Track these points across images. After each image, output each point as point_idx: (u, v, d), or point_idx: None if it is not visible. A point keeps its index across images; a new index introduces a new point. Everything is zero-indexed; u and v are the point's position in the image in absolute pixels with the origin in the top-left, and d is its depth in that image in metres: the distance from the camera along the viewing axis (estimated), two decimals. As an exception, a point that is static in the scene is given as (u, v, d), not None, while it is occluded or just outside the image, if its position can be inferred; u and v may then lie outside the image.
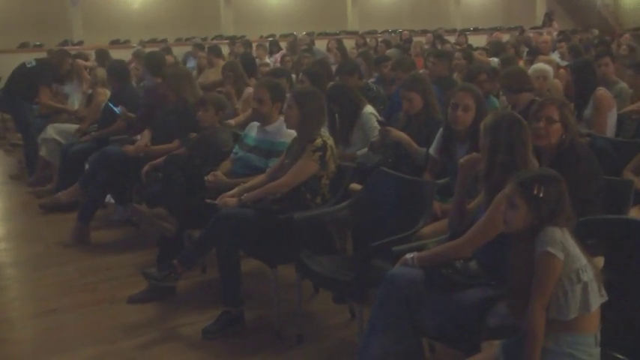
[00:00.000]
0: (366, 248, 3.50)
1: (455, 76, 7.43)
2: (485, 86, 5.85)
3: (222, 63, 8.65)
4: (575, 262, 2.42)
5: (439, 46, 11.96)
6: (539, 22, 21.38)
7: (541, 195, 2.44)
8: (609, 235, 2.97)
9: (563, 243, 2.41)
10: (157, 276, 4.40)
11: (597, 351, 2.47)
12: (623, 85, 6.58)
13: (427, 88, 4.83)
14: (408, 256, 3.04)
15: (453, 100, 4.16)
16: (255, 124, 4.86)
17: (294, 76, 7.67)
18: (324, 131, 4.51)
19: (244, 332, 4.17)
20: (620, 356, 2.68)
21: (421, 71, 7.63)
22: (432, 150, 4.44)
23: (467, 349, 2.88)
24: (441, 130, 4.39)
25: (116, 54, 10.48)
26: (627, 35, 13.69)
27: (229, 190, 4.36)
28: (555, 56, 10.11)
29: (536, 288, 2.41)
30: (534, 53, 8.66)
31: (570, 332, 2.45)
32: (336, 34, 17.31)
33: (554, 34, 15.34)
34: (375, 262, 3.49)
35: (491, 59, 8.16)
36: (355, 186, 4.43)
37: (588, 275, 2.43)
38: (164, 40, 15.24)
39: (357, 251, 4.06)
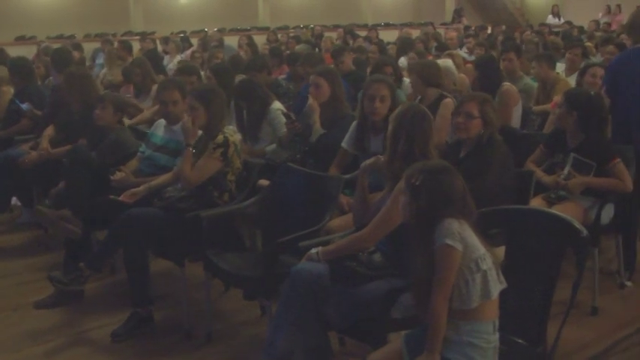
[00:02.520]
0: (274, 244, 3.50)
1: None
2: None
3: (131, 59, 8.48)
4: (474, 251, 2.47)
5: (350, 42, 12.06)
6: (448, 18, 21.87)
7: (417, 184, 2.48)
8: (511, 224, 3.05)
9: (460, 234, 2.45)
10: (63, 280, 4.30)
11: (496, 337, 2.54)
12: (528, 80, 6.81)
13: (336, 80, 4.88)
14: (313, 251, 3.06)
15: (369, 91, 4.21)
16: (162, 122, 4.80)
17: (203, 73, 7.59)
18: (229, 128, 4.48)
19: (154, 333, 4.10)
20: (520, 340, 2.78)
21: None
22: (344, 143, 4.48)
23: (374, 342, 2.91)
24: (354, 123, 4.43)
25: (22, 50, 10.14)
26: (528, 32, 14.13)
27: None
28: (463, 52, 10.37)
29: (437, 280, 2.45)
30: (442, 49, 8.84)
31: (470, 321, 2.49)
32: (248, 30, 17.22)
33: (462, 29, 15.69)
34: (282, 257, 3.50)
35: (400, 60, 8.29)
36: (264, 182, 4.42)
37: (487, 263, 2.49)
38: (72, 36, 14.82)
39: (265, 248, 4.06)
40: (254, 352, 3.70)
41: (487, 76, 6.25)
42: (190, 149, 4.15)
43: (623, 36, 9.37)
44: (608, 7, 19.05)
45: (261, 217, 4.06)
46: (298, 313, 2.93)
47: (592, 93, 4.64)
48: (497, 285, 2.52)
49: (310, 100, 4.84)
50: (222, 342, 3.99)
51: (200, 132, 4.26)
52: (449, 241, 2.43)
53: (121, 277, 4.67)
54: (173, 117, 4.65)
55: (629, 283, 4.66)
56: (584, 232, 2.72)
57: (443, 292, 2.45)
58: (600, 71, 5.51)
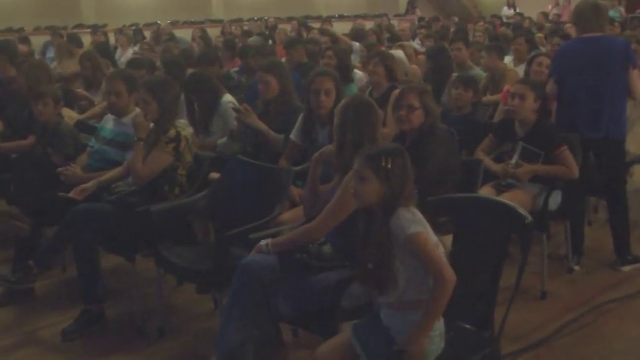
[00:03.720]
0: (224, 237, 3.49)
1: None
2: None
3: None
4: (432, 236, 2.50)
5: (304, 34, 12.05)
6: (402, 9, 22.00)
7: (389, 166, 2.47)
8: (458, 212, 3.09)
9: (418, 218, 2.47)
10: (12, 278, 4.23)
11: (441, 323, 2.55)
12: (478, 70, 6.90)
13: (284, 73, 4.85)
14: (263, 242, 3.05)
15: (313, 85, 4.22)
16: (111, 116, 4.73)
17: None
18: (180, 122, 4.45)
19: (106, 330, 4.06)
20: (467, 326, 2.82)
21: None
22: (292, 135, 4.48)
23: (325, 332, 2.91)
24: (302, 115, 4.43)
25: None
26: (481, 23, 14.28)
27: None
28: (416, 43, 10.45)
29: (427, 266, 2.44)
30: (394, 40, 8.89)
31: (416, 310, 2.50)
32: (201, 22, 17.10)
33: (416, 21, 15.79)
34: (234, 250, 3.49)
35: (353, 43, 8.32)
36: (215, 175, 4.40)
37: (441, 249, 2.52)
38: (21, 29, 14.52)
39: (217, 241, 4.05)
40: (207, 346, 3.68)
41: (439, 65, 6.31)
42: (141, 143, 4.10)
43: (568, 25, 9.54)
44: (557, -1, 19.37)
45: (212, 210, 4.04)
46: (248, 305, 2.93)
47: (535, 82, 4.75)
48: None
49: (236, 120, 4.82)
50: (174, 336, 3.97)
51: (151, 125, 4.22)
52: (413, 230, 2.43)
53: (72, 274, 4.59)
54: (116, 109, 4.58)
55: (577, 267, 4.77)
56: (529, 217, 2.76)
57: (438, 270, 2.42)
58: (546, 60, 5.59)
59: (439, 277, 2.42)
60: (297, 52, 7.22)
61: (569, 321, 4.01)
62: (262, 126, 4.70)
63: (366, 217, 2.56)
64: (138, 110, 4.34)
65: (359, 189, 2.52)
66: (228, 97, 5.32)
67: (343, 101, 3.24)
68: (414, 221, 2.45)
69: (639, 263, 4.79)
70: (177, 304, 4.36)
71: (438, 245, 2.50)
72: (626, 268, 4.75)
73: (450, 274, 2.41)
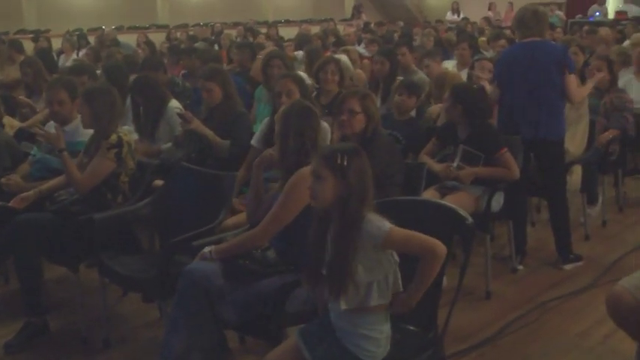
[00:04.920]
0: (168, 244, 3.46)
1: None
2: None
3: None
4: None
5: (251, 39, 12.02)
6: (348, 14, 22.11)
7: (345, 163, 2.46)
8: (401, 215, 3.10)
9: (384, 219, 2.48)
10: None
11: (388, 326, 2.58)
12: (422, 74, 6.98)
13: (226, 79, 4.83)
14: (207, 249, 3.03)
15: (277, 88, 4.26)
16: (54, 124, 4.66)
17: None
18: (123, 128, 4.40)
19: (50, 342, 3.99)
20: (412, 327, 2.85)
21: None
22: (254, 141, 4.47)
23: (271, 338, 2.92)
24: (265, 120, 4.43)
25: None
26: (429, 29, 14.41)
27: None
28: (361, 48, 10.51)
29: (417, 250, 2.47)
30: (339, 44, 8.94)
31: (363, 313, 2.52)
32: (146, 28, 16.91)
33: (362, 26, 15.89)
34: (179, 258, 3.45)
35: (296, 53, 8.33)
36: (159, 182, 4.35)
37: (395, 255, 2.53)
38: (-41, 36, 14.13)
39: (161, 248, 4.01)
40: (152, 355, 3.62)
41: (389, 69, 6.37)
42: (66, 154, 4.05)
43: (509, 31, 9.73)
44: (494, 4, 19.71)
45: (156, 217, 4.00)
46: (192, 313, 2.90)
47: (475, 86, 4.82)
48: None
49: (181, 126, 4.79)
50: (119, 347, 3.92)
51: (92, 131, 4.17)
52: (387, 226, 2.44)
53: (15, 286, 4.50)
54: (60, 117, 4.51)
55: (520, 267, 4.86)
56: (469, 219, 2.81)
57: (435, 249, 2.44)
58: (489, 65, 5.71)
59: (431, 252, 2.44)
60: (245, 56, 7.21)
61: (513, 320, 4.09)
62: (207, 132, 4.67)
63: (321, 220, 2.55)
64: (79, 117, 4.28)
65: (316, 188, 2.50)
66: (174, 103, 5.27)
67: (283, 107, 3.26)
68: (382, 221, 2.46)
69: (581, 262, 4.91)
70: (122, 313, 4.31)
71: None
72: (568, 267, 4.87)
73: (442, 248, 2.45)
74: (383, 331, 2.57)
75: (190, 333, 2.90)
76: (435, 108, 5.57)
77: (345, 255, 2.44)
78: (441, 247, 2.45)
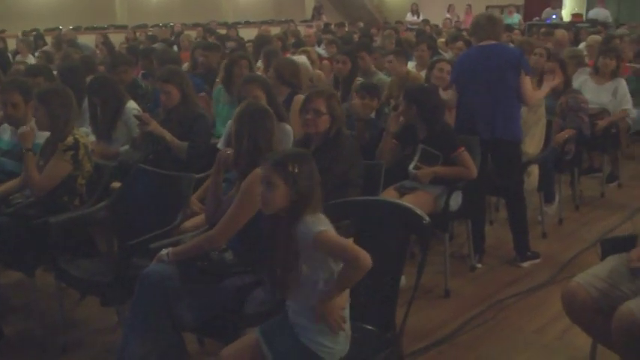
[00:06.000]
0: (124, 247, 3.42)
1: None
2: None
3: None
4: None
5: (210, 40, 11.94)
6: (308, 15, 22.11)
7: (296, 171, 2.48)
8: (360, 215, 3.12)
9: (322, 221, 2.48)
10: None
11: (347, 325, 2.59)
12: (382, 75, 7.01)
13: (184, 81, 4.78)
14: (164, 252, 3.01)
15: (242, 93, 4.25)
16: (8, 126, 4.59)
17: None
18: (80, 130, 4.34)
19: (6, 348, 3.91)
20: (370, 327, 2.86)
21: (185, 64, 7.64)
22: (220, 144, 4.46)
23: (230, 340, 2.88)
24: (229, 122, 4.41)
25: None
26: (389, 31, 14.48)
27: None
28: (321, 49, 10.52)
29: (341, 256, 2.45)
30: (299, 45, 8.94)
31: None
32: (105, 28, 16.71)
33: (322, 27, 15.92)
34: (137, 261, 3.42)
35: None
36: (117, 185, 4.31)
37: None
38: None
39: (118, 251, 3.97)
40: (110, 360, 3.61)
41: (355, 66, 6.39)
42: (31, 154, 3.99)
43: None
44: (453, 6, 19.94)
45: (114, 220, 3.95)
46: (150, 316, 2.88)
47: (426, 86, 4.87)
48: None
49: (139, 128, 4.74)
50: (77, 352, 3.86)
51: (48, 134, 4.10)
52: (317, 229, 2.43)
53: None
54: (15, 120, 4.44)
55: (479, 265, 4.92)
56: (426, 218, 2.84)
57: (358, 257, 2.41)
58: (447, 66, 5.76)
59: (354, 262, 2.42)
60: (214, 57, 7.17)
61: (472, 317, 4.13)
62: (165, 133, 4.63)
63: (272, 221, 2.56)
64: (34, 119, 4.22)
65: (266, 196, 2.50)
66: (132, 104, 5.22)
67: (238, 109, 3.25)
68: (317, 223, 2.47)
69: (538, 259, 4.99)
70: (80, 318, 4.24)
71: None
72: (526, 264, 4.94)
73: (365, 261, 2.41)
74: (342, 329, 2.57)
75: (147, 336, 2.87)
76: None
77: (286, 254, 2.48)
78: (364, 260, 2.41)
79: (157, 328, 2.88)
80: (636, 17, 14.42)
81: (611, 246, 3.26)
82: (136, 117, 4.75)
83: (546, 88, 5.37)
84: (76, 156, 4.00)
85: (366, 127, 5.15)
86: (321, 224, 2.47)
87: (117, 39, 13.31)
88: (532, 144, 5.39)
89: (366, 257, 2.41)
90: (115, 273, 3.41)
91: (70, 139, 4.01)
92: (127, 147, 4.99)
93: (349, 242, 2.48)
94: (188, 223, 3.80)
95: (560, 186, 5.96)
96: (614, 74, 6.72)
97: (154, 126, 4.62)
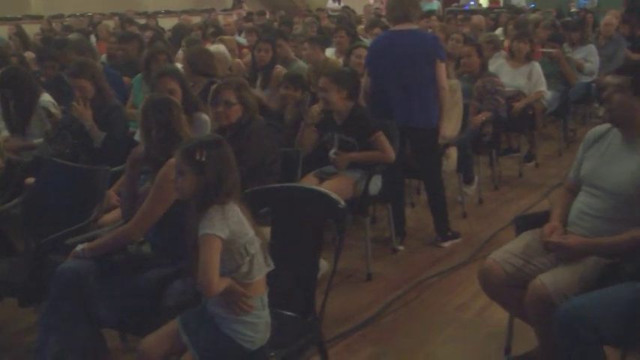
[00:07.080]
0: (39, 245, 3.34)
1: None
2: None
3: None
4: (241, 237, 2.50)
5: (130, 30, 11.69)
6: (229, 4, 21.89)
7: (203, 159, 2.48)
8: (277, 202, 3.14)
9: (224, 222, 2.46)
10: None
11: (266, 312, 2.60)
12: (301, 62, 7.02)
13: (96, 73, 4.67)
14: (79, 247, 2.96)
15: (157, 87, 4.20)
16: None
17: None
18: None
19: None
20: (290, 313, 2.89)
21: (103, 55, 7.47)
22: (137, 136, 4.35)
23: (150, 333, 2.87)
24: None
25: None
26: (310, 18, 14.47)
27: None
28: (242, 37, 10.44)
29: (203, 265, 2.44)
30: (218, 34, 8.85)
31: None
32: (19, 18, 16.14)
33: (243, 15, 15.80)
34: (53, 257, 3.34)
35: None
36: (31, 180, 4.19)
37: (255, 247, 2.54)
38: None
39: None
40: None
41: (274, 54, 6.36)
42: None
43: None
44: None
45: (29, 217, 3.85)
46: (66, 313, 2.83)
47: (348, 69, 4.97)
48: (263, 269, 2.58)
49: (75, 107, 4.60)
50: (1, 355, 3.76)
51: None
52: (209, 231, 2.43)
53: None
54: None
55: (401, 248, 5.01)
56: (342, 203, 2.87)
57: (209, 274, 2.43)
58: (364, 52, 5.80)
59: (203, 283, 2.44)
60: (133, 48, 7.03)
61: (394, 299, 4.20)
62: (86, 119, 4.52)
63: (190, 210, 2.56)
64: None
65: (178, 183, 2.54)
66: (46, 97, 5.09)
67: (141, 104, 3.22)
68: (214, 226, 2.44)
69: (459, 239, 5.11)
70: (-1, 320, 4.13)
71: (253, 242, 2.53)
72: (447, 244, 5.05)
73: (216, 288, 2.44)
74: (260, 317, 2.59)
75: (64, 335, 2.83)
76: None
77: (193, 243, 2.51)
78: (215, 287, 2.44)
79: (73, 326, 2.84)
80: (549, 4, 14.94)
81: (526, 222, 3.37)
82: (44, 110, 4.64)
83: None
84: (-14, 152, 3.88)
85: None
86: (214, 225, 2.44)
87: (32, 30, 12.88)
88: (450, 127, 5.47)
89: (217, 288, 2.44)
90: (30, 272, 3.32)
91: (-22, 135, 3.89)
92: (41, 140, 4.85)
93: (214, 264, 2.44)
94: (107, 217, 3.74)
95: (480, 167, 6.12)
96: (528, 58, 6.91)
97: (80, 112, 4.51)
